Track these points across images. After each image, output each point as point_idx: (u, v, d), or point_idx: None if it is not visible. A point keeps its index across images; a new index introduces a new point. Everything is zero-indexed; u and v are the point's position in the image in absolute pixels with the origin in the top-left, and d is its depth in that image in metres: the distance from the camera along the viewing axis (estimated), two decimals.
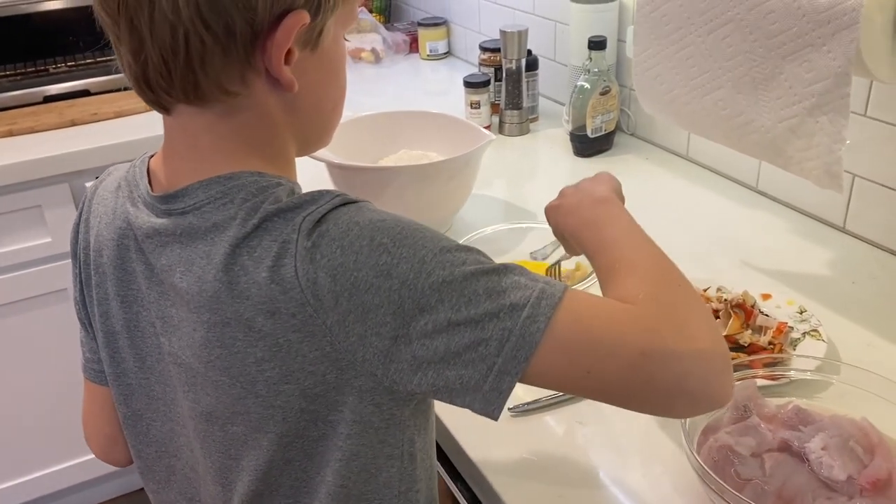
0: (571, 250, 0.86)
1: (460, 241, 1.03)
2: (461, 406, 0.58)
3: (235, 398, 0.61)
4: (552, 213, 0.83)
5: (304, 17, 0.58)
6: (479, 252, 0.60)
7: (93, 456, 0.85)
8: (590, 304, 0.58)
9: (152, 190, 0.66)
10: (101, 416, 0.80)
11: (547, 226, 1.11)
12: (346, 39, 0.68)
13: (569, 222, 0.78)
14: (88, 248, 0.72)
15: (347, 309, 0.55)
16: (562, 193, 0.83)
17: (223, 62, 0.57)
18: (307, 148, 0.70)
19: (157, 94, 0.60)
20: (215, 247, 0.59)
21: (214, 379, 0.62)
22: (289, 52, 0.59)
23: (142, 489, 0.79)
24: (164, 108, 0.62)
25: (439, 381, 0.57)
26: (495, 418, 0.57)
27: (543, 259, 1.08)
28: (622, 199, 0.80)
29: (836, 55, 0.83)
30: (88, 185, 1.62)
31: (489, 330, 0.55)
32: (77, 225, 0.74)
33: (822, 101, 0.87)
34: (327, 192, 0.60)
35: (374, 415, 0.61)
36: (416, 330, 0.55)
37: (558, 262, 1.03)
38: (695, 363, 0.57)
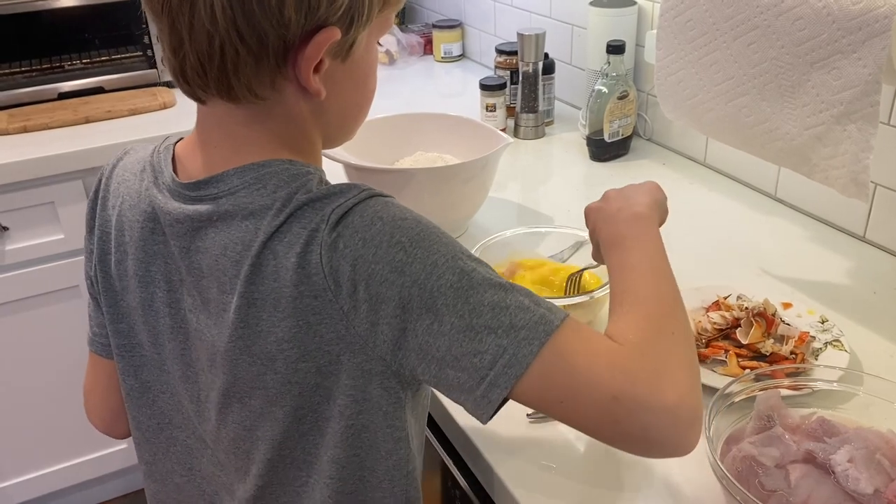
0: (598, 258, 0.86)
1: (477, 245, 1.05)
2: (456, 402, 0.62)
3: (255, 374, 0.65)
4: (592, 214, 0.83)
5: (336, 33, 0.60)
6: (489, 266, 0.62)
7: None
8: (580, 338, 0.61)
9: (178, 177, 0.68)
10: (108, 389, 0.83)
11: (564, 230, 1.11)
12: (378, 44, 0.69)
13: (603, 231, 0.79)
14: (106, 224, 0.74)
15: (363, 297, 0.59)
16: (605, 196, 0.84)
17: (255, 70, 0.60)
18: (332, 143, 0.74)
19: (192, 88, 0.63)
20: (250, 235, 0.62)
21: (234, 357, 0.65)
22: (320, 62, 0.62)
23: (143, 489, 0.80)
24: (199, 100, 0.65)
25: (441, 375, 0.60)
26: (483, 422, 0.61)
27: (561, 263, 1.07)
28: (665, 212, 0.82)
29: (866, 63, 0.82)
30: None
31: (486, 343, 0.58)
32: (93, 202, 0.77)
33: (851, 110, 0.86)
34: (356, 185, 0.63)
35: (383, 398, 0.65)
36: (421, 327, 0.59)
37: (581, 272, 1.02)
38: (661, 416, 0.59)
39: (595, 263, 0.94)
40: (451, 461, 0.93)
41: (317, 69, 0.62)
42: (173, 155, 0.70)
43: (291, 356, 0.62)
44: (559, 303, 0.96)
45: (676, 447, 0.60)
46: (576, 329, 0.61)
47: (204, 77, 0.61)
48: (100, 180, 0.76)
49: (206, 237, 0.65)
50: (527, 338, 0.58)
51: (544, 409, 0.61)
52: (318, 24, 0.59)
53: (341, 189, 0.62)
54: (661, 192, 0.83)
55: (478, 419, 0.61)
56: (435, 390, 0.68)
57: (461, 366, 0.59)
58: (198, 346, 0.69)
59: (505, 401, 0.60)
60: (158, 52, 1.51)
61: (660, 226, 0.79)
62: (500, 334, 0.58)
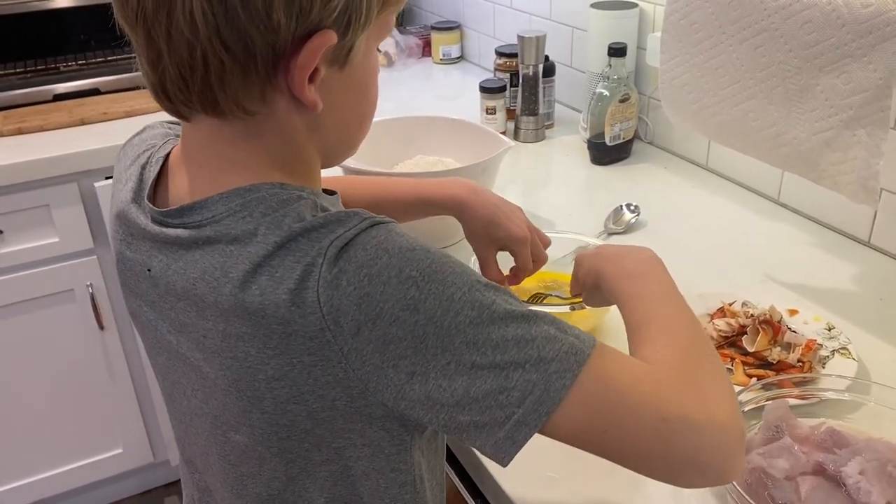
0: (592, 301, 0.83)
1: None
2: (470, 446, 0.57)
3: (242, 410, 0.59)
4: (588, 258, 0.80)
5: (332, 37, 0.55)
6: (508, 293, 0.57)
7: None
8: (616, 362, 0.57)
9: (166, 188, 0.64)
10: None
11: (564, 235, 1.10)
12: (378, 50, 0.65)
13: (607, 268, 0.75)
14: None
15: (368, 339, 0.53)
16: (600, 247, 0.82)
17: (243, 82, 0.55)
18: (332, 161, 0.68)
19: (175, 105, 0.58)
20: (232, 260, 0.56)
21: (223, 387, 0.60)
22: (316, 71, 0.56)
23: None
24: (182, 117, 0.60)
25: (451, 423, 0.55)
26: (504, 464, 0.56)
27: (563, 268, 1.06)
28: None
29: (877, 67, 0.81)
30: (97, 184, 1.63)
31: (514, 380, 0.53)
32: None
33: (861, 114, 0.84)
34: (355, 213, 0.57)
35: (384, 440, 0.60)
36: (434, 368, 0.53)
37: (546, 295, 1.01)
38: (712, 437, 0.56)
39: (566, 297, 0.94)
40: (453, 472, 0.92)
41: (312, 79, 0.56)
42: (163, 166, 0.66)
43: (281, 396, 0.57)
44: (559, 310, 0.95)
45: (726, 469, 0.57)
46: (608, 353, 0.57)
47: (186, 92, 0.55)
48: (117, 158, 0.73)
49: (182, 258, 0.60)
50: (558, 370, 0.54)
51: (584, 442, 0.56)
52: (311, 28, 0.54)
53: (339, 217, 0.56)
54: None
55: (498, 462, 0.56)
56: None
57: (481, 407, 0.54)
58: (181, 367, 0.65)
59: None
60: None
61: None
62: (528, 369, 0.53)
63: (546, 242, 0.99)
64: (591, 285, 0.79)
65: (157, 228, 0.62)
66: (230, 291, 0.56)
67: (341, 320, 0.53)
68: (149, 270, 0.63)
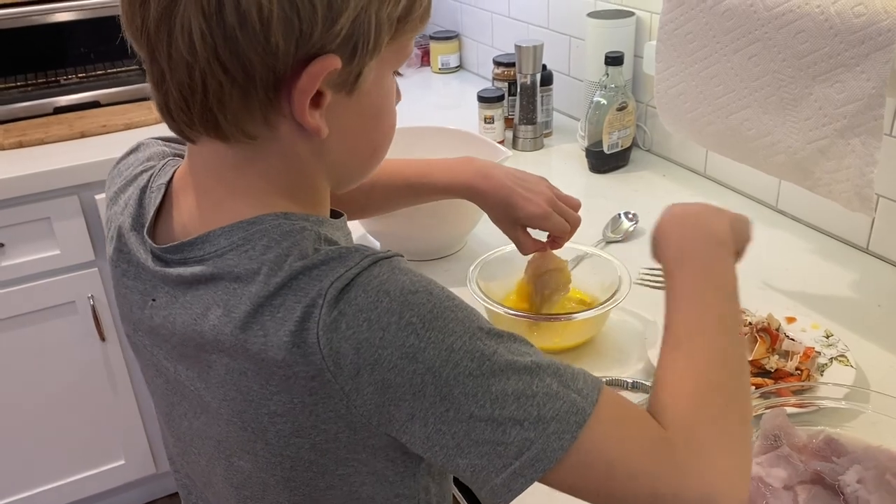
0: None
1: (477, 261, 1.04)
2: (466, 484, 0.56)
3: (246, 440, 0.59)
4: (665, 211, 0.76)
5: (335, 62, 0.53)
6: (512, 339, 0.56)
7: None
8: (617, 427, 0.56)
9: (161, 217, 0.63)
10: None
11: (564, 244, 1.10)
12: (398, 74, 0.63)
13: (665, 230, 0.72)
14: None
15: (367, 381, 0.53)
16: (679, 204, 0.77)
17: (243, 105, 0.54)
18: (342, 187, 0.66)
19: (179, 125, 0.57)
20: (235, 300, 0.56)
21: (227, 417, 0.59)
22: (320, 96, 0.55)
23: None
24: (187, 138, 0.59)
25: (449, 464, 0.55)
26: None
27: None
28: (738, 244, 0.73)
29: (870, 76, 0.81)
30: (98, 197, 1.63)
31: (511, 435, 0.53)
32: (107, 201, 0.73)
33: (855, 123, 0.85)
34: (357, 249, 0.56)
35: (388, 468, 0.60)
36: (434, 414, 0.53)
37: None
38: None
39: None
40: None
41: (317, 104, 0.55)
42: (166, 191, 0.64)
43: (284, 430, 0.57)
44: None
45: None
46: (611, 413, 0.55)
47: (188, 113, 0.54)
48: (109, 176, 0.73)
49: (186, 294, 0.59)
50: (556, 431, 0.53)
51: (576, 496, 0.56)
52: (313, 52, 0.52)
53: (341, 254, 0.55)
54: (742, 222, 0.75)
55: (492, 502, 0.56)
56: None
57: (479, 452, 0.53)
58: (180, 391, 0.64)
59: None
60: None
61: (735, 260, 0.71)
62: (527, 426, 0.53)
63: (576, 205, 0.98)
64: (654, 244, 0.76)
65: (156, 267, 0.61)
66: (231, 332, 0.55)
67: (341, 362, 0.53)
68: (153, 300, 0.62)
